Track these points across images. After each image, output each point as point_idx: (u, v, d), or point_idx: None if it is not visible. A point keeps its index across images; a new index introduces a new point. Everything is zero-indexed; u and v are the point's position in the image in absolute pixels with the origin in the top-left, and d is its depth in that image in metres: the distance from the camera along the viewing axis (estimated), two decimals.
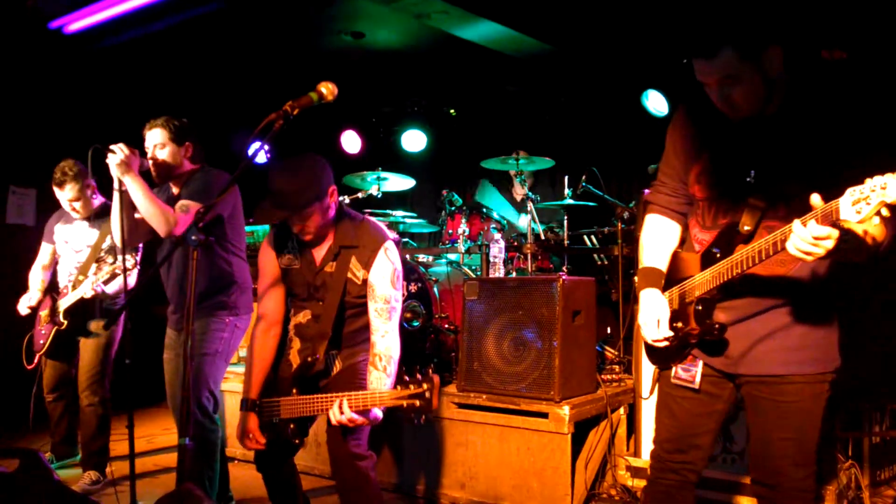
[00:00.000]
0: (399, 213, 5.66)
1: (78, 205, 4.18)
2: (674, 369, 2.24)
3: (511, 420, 3.71)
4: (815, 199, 1.73)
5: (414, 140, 7.08)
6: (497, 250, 4.88)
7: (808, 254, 1.78)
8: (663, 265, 2.30)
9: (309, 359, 2.75)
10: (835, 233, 1.72)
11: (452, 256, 5.17)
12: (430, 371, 2.42)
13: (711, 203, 2.19)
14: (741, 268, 1.98)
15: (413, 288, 4.52)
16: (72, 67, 5.85)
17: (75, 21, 5.35)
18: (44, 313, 4.25)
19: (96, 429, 4.15)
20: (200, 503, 2.13)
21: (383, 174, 5.75)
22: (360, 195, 5.26)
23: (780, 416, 2.10)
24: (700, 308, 2.11)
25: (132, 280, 4.14)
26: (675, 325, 2.18)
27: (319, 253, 2.84)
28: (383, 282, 2.75)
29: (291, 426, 2.74)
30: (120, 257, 3.96)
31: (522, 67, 6.13)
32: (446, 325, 4.57)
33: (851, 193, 1.66)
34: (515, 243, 5.05)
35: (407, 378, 2.45)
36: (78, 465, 4.31)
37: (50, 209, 4.49)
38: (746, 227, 2.04)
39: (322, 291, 2.82)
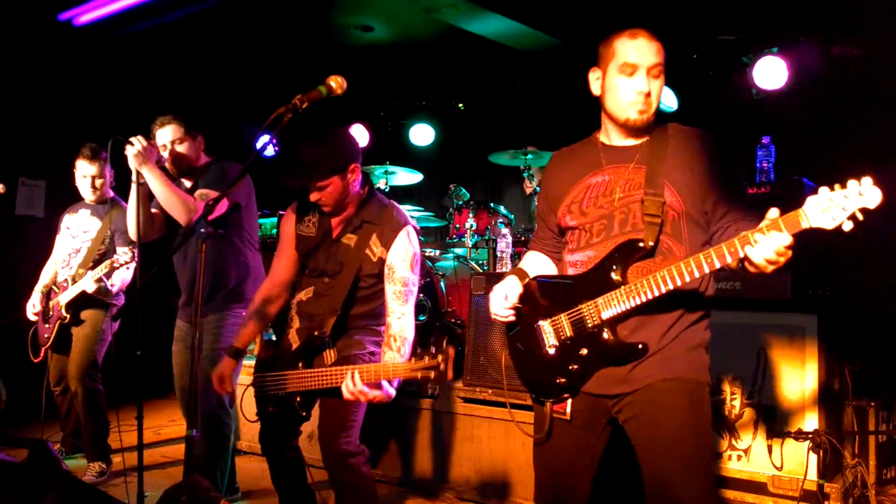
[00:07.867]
0: (406, 207, 5.66)
1: (99, 182, 4.18)
2: (546, 403, 2.20)
3: (517, 415, 3.70)
4: (774, 211, 1.78)
5: (422, 134, 7.07)
6: (504, 245, 4.88)
7: (772, 263, 1.78)
8: (531, 271, 2.31)
9: (316, 333, 2.73)
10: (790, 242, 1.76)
11: (459, 251, 5.17)
12: (444, 343, 2.44)
13: (584, 227, 2.18)
14: (674, 283, 1.92)
15: (419, 282, 4.52)
16: (82, 59, 5.86)
17: (85, 13, 5.36)
18: (43, 308, 4.24)
19: (87, 417, 4.14)
20: (207, 494, 2.14)
21: (391, 168, 5.76)
22: None
23: (665, 423, 2.01)
24: (610, 330, 2.03)
25: (130, 274, 4.16)
26: (579, 352, 2.09)
27: (339, 224, 2.84)
28: (403, 264, 2.77)
29: (298, 398, 2.74)
30: (120, 250, 3.98)
31: (531, 62, 6.11)
32: (452, 320, 4.57)
33: (818, 203, 1.72)
34: (523, 238, 5.04)
35: (420, 350, 2.45)
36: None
37: (59, 201, 4.49)
38: (650, 242, 2.03)
39: (334, 264, 2.81)
